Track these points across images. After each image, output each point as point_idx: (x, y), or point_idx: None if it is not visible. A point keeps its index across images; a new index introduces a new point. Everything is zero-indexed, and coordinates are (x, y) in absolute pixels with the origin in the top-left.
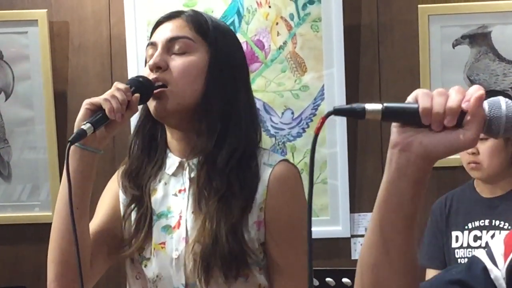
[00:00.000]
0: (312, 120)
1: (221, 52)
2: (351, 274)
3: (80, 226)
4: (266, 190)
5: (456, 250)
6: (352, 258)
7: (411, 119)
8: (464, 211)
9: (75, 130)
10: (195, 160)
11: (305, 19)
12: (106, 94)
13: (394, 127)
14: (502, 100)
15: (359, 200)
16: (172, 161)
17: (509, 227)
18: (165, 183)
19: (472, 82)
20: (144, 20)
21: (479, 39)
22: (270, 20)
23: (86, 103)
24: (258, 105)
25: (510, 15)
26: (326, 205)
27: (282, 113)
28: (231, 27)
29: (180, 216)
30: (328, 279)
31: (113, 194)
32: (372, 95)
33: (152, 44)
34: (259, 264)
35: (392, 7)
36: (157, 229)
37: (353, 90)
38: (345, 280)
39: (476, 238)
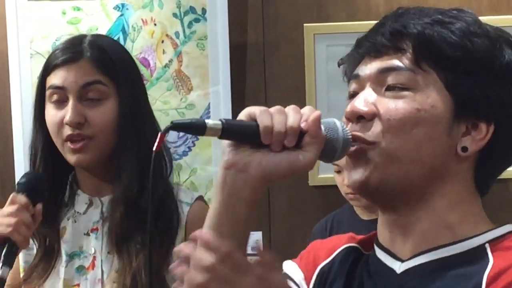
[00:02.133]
0: (198, 139)
1: (129, 91)
2: None
3: None
4: (185, 230)
5: None
6: None
7: (251, 138)
8: (343, 232)
9: None
10: (106, 198)
11: (191, 37)
12: (10, 220)
13: (229, 146)
14: (337, 122)
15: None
16: (82, 199)
17: None
18: (75, 221)
19: None
20: (28, 37)
21: None
22: (156, 38)
23: None
24: None
25: None
26: None
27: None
28: None
29: (94, 257)
30: None
31: None
32: None
33: (59, 88)
34: None
35: (278, 26)
36: (71, 270)
37: (239, 108)
38: None
39: None
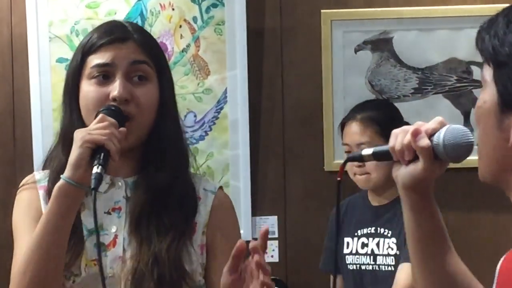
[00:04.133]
0: (214, 123)
1: (167, 77)
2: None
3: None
4: (209, 216)
5: (346, 256)
6: None
7: (390, 157)
8: (356, 218)
9: (74, 169)
10: (131, 179)
11: (208, 22)
12: (103, 131)
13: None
14: (444, 129)
15: (261, 203)
16: (104, 179)
17: (391, 234)
18: (81, 200)
19: (373, 87)
20: (46, 20)
21: (380, 44)
22: (174, 23)
23: (86, 141)
24: None
25: (411, 21)
26: None
27: (185, 116)
28: None
29: (116, 235)
30: None
31: (35, 206)
32: (274, 99)
33: (106, 66)
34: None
35: (295, 11)
36: (90, 245)
37: (256, 94)
38: None
39: (363, 245)
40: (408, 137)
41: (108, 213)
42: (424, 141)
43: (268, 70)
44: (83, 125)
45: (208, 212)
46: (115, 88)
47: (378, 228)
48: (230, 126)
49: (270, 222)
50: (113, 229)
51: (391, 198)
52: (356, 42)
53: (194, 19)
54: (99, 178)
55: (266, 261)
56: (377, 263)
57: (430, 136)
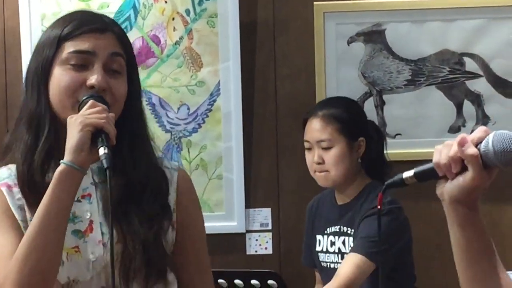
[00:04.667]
0: (207, 116)
1: (135, 72)
2: (242, 276)
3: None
4: (176, 192)
5: (319, 254)
6: (247, 253)
7: (435, 174)
8: (324, 216)
9: (76, 153)
10: (95, 165)
11: (201, 14)
12: (100, 115)
13: (437, 183)
14: (491, 135)
15: (254, 195)
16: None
17: (353, 232)
18: (79, 185)
19: (366, 79)
20: (39, 13)
21: (373, 36)
22: (166, 16)
23: (86, 125)
24: (154, 100)
25: (403, 13)
26: (222, 200)
27: (178, 109)
28: (127, 22)
29: (91, 220)
30: (220, 280)
31: (5, 209)
32: (267, 92)
33: (87, 53)
34: (170, 264)
35: (288, 3)
36: (67, 234)
37: (249, 86)
38: (237, 281)
39: (331, 244)
40: (454, 149)
41: (78, 200)
42: (472, 149)
43: (261, 63)
44: (51, 110)
45: (175, 189)
46: (94, 76)
47: (342, 227)
48: (223, 119)
49: (264, 215)
50: (87, 215)
51: (352, 197)
52: (349, 34)
53: (187, 11)
54: (110, 157)
55: (260, 253)
56: None
57: (477, 144)
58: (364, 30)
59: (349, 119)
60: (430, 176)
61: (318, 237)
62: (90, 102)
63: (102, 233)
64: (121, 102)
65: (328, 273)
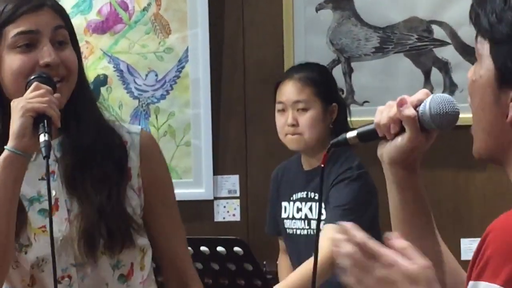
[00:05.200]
0: (176, 83)
1: (76, 40)
2: (208, 243)
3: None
4: (140, 156)
5: (284, 221)
6: (215, 220)
7: (375, 135)
8: (290, 182)
9: (18, 139)
10: (56, 141)
11: None
12: (42, 99)
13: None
14: (429, 98)
15: (223, 162)
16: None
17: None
18: (26, 169)
19: (334, 46)
20: None
21: (342, 3)
22: None
23: (27, 110)
24: (122, 66)
25: None
26: (190, 167)
27: (146, 75)
28: None
29: (57, 198)
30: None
31: None
32: (236, 59)
33: (31, 33)
34: (140, 229)
35: None
36: (33, 214)
37: (217, 53)
38: (203, 248)
39: (298, 210)
40: (394, 110)
41: (43, 179)
42: (410, 110)
43: (229, 29)
44: (3, 96)
45: (138, 154)
46: (46, 54)
47: (309, 193)
48: (191, 85)
49: (232, 181)
50: (52, 194)
51: (319, 162)
52: (317, 1)
53: None
54: (48, 145)
55: (228, 220)
56: (311, 227)
57: (416, 106)
58: None
59: (325, 83)
60: (372, 137)
61: (284, 204)
62: (34, 84)
63: (68, 211)
64: (75, 71)
65: (294, 240)
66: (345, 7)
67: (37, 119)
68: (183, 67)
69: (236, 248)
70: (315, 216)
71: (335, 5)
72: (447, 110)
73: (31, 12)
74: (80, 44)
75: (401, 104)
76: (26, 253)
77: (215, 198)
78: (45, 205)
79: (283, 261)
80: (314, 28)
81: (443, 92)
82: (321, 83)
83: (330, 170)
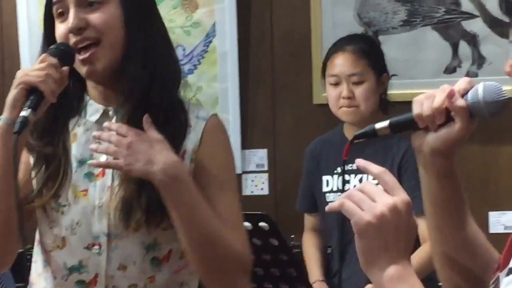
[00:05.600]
0: (203, 57)
1: None
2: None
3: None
4: (200, 142)
5: (326, 194)
6: (243, 194)
7: (413, 125)
8: (334, 155)
9: (9, 110)
10: (122, 109)
11: None
12: (40, 72)
13: (412, 134)
14: (480, 87)
15: (250, 136)
16: (95, 108)
17: None
18: (87, 129)
19: (361, 20)
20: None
21: None
22: None
23: (21, 82)
24: None
25: None
26: None
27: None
28: None
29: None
30: None
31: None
32: (263, 32)
33: (59, 2)
34: None
35: None
36: (79, 176)
37: (245, 26)
38: (262, 224)
39: (345, 182)
40: (439, 100)
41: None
42: (462, 101)
43: (256, 3)
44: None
45: (199, 138)
46: (68, 21)
47: None
48: (218, 60)
49: (260, 155)
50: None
51: None
52: None
53: None
54: (24, 121)
55: (256, 194)
56: None
57: (462, 96)
58: None
59: (377, 54)
60: (408, 127)
61: (326, 177)
62: (42, 56)
63: (113, 179)
64: (111, 31)
65: (340, 213)
66: None
67: (31, 92)
68: (210, 42)
69: (261, 223)
70: None
71: None
72: (500, 97)
73: None
74: None
75: (451, 95)
76: (63, 213)
77: (243, 172)
78: (93, 169)
79: (309, 238)
80: (341, 1)
81: (472, 65)
82: (374, 55)
83: (397, 139)
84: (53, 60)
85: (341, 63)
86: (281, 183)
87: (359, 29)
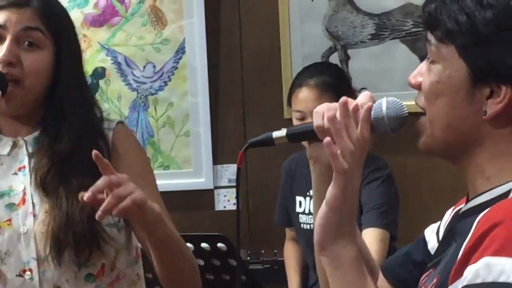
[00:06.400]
0: (173, 74)
1: (68, 46)
2: (192, 239)
3: None
4: (110, 151)
5: (300, 215)
6: (216, 209)
7: (311, 136)
8: (307, 177)
9: None
10: (31, 136)
11: None
12: None
13: (308, 144)
14: (383, 102)
15: (222, 151)
16: (5, 142)
17: None
18: (1, 164)
19: (330, 34)
20: None
21: None
22: None
23: None
24: (120, 59)
25: None
26: (189, 157)
27: (144, 67)
28: None
29: (24, 193)
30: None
31: None
32: (232, 47)
33: (0, 27)
34: (116, 227)
35: None
36: (1, 208)
37: (215, 42)
38: (188, 244)
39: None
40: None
41: (15, 173)
42: (365, 115)
43: (226, 18)
44: None
45: (109, 150)
46: (1, 51)
47: None
48: (188, 75)
49: (232, 170)
50: (21, 188)
51: None
52: None
53: None
54: None
55: (229, 209)
56: None
57: None
58: None
59: (342, 84)
60: (305, 138)
61: (299, 198)
62: None
63: (34, 204)
64: (36, 75)
65: (309, 235)
66: None
67: None
68: (180, 58)
69: (219, 244)
70: None
71: None
72: (402, 113)
73: (8, 8)
74: (78, 38)
75: (356, 109)
76: None
77: (215, 188)
78: (14, 199)
79: (290, 248)
80: (310, 16)
81: None
82: (339, 86)
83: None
84: None
85: (306, 99)
86: (253, 198)
87: (328, 43)
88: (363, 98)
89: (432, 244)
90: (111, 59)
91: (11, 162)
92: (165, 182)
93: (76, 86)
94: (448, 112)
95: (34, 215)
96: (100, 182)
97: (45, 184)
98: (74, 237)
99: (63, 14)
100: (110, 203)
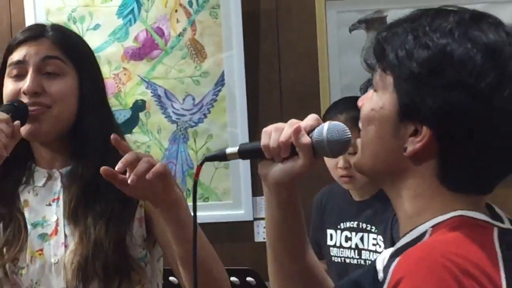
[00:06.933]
0: (213, 106)
1: (89, 72)
2: (240, 273)
3: None
4: None
5: (331, 248)
6: (256, 240)
7: (261, 155)
8: (338, 210)
9: None
10: (65, 169)
11: (204, 6)
12: None
13: (259, 162)
14: (325, 126)
15: (261, 183)
16: (41, 173)
17: (375, 230)
18: (36, 194)
19: (368, 66)
20: (43, 8)
21: (375, 23)
22: (169, 8)
23: None
24: (159, 92)
25: None
26: (229, 189)
27: (183, 99)
28: (130, 15)
29: (57, 223)
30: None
31: None
32: (271, 80)
33: (19, 63)
34: (143, 261)
35: None
36: (34, 238)
37: (253, 75)
38: (249, 279)
39: (347, 239)
40: (286, 135)
41: (49, 204)
42: (306, 138)
43: (265, 51)
44: None
45: None
46: (25, 82)
47: (360, 223)
48: (228, 107)
49: None
50: (54, 218)
51: (370, 194)
52: (350, 22)
53: (189, 3)
54: None
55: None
56: (362, 257)
57: (309, 133)
58: (366, 17)
59: None
60: (255, 156)
61: (330, 231)
62: None
63: (65, 235)
64: (64, 101)
65: (340, 267)
66: (378, 27)
67: None
68: (219, 90)
69: (248, 278)
70: (366, 246)
71: (368, 25)
72: (343, 137)
73: (26, 43)
74: (118, 71)
75: (298, 131)
76: (21, 275)
77: (255, 219)
78: (47, 229)
79: None
80: (348, 49)
81: None
82: None
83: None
84: (4, 116)
85: None
86: None
87: (366, 75)
88: (308, 120)
89: (381, 274)
90: (151, 92)
91: (46, 193)
92: (205, 213)
93: (100, 113)
94: (376, 141)
95: (66, 246)
96: (128, 155)
97: (76, 215)
98: (103, 268)
99: (80, 41)
100: (143, 166)
